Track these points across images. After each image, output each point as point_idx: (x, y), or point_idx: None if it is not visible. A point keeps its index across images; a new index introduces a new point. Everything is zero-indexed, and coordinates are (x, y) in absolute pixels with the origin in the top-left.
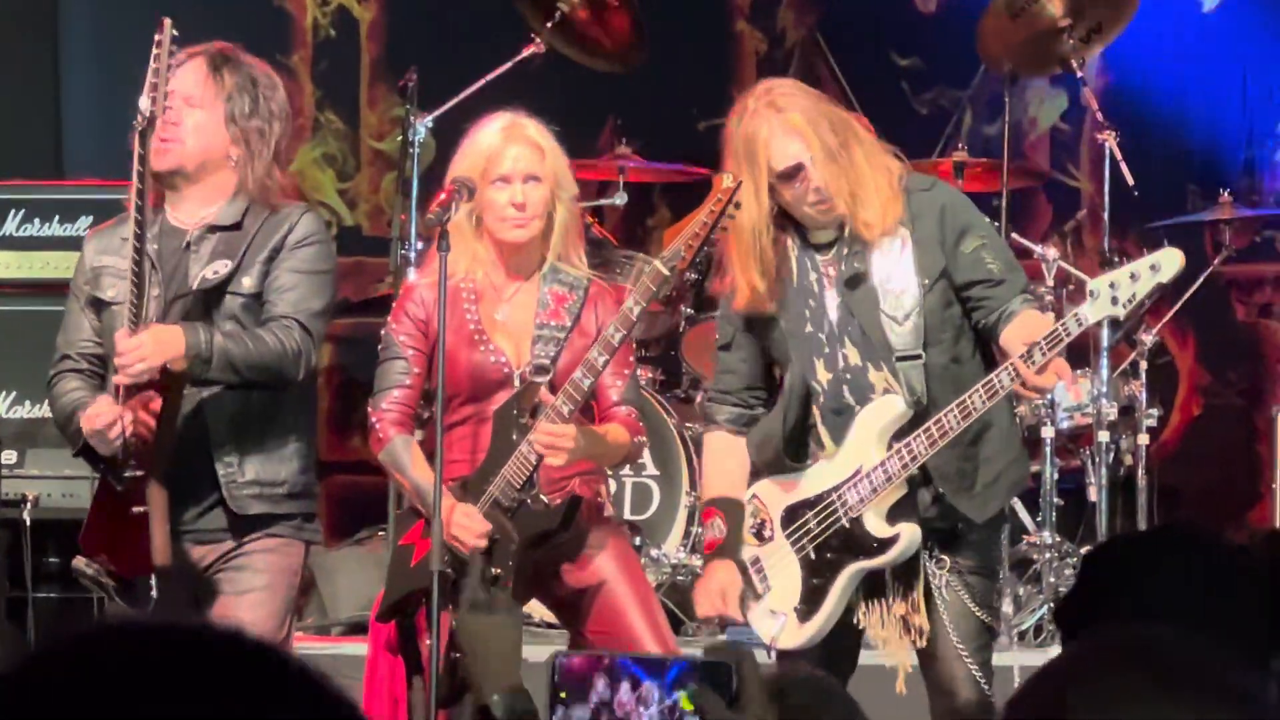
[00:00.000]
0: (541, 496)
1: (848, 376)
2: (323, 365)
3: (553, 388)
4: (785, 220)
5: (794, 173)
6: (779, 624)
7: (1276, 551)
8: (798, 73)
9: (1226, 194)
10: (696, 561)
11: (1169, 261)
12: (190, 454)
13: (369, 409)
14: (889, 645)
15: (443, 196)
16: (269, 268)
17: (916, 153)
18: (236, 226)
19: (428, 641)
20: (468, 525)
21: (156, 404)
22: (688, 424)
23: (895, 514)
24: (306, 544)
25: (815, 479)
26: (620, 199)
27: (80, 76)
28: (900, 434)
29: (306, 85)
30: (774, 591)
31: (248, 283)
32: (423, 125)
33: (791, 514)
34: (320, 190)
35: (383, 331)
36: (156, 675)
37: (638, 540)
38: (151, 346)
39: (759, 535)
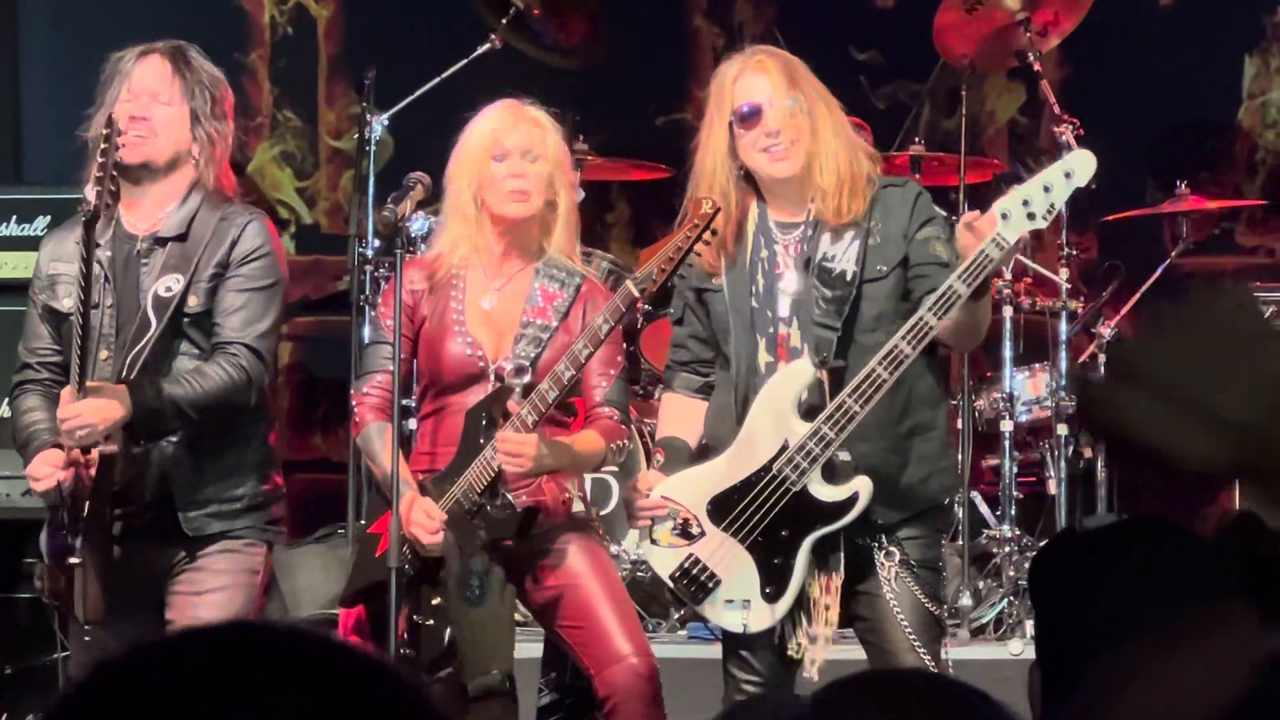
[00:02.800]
0: (508, 497)
1: (785, 361)
2: (283, 364)
3: (531, 389)
4: (750, 192)
5: (753, 115)
6: (745, 612)
7: (1251, 533)
8: None
9: (1184, 186)
10: None
11: (1082, 165)
12: (145, 472)
13: (352, 390)
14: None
15: (394, 193)
16: (215, 284)
17: (874, 146)
18: (183, 238)
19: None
20: (423, 523)
21: (94, 462)
22: (646, 420)
23: (833, 475)
24: (269, 544)
25: (735, 464)
26: (578, 195)
27: (39, 81)
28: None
29: (264, 83)
30: (726, 583)
31: (194, 301)
32: (379, 123)
33: (721, 505)
34: (279, 188)
35: (371, 313)
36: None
37: None
38: (91, 414)
39: (685, 535)
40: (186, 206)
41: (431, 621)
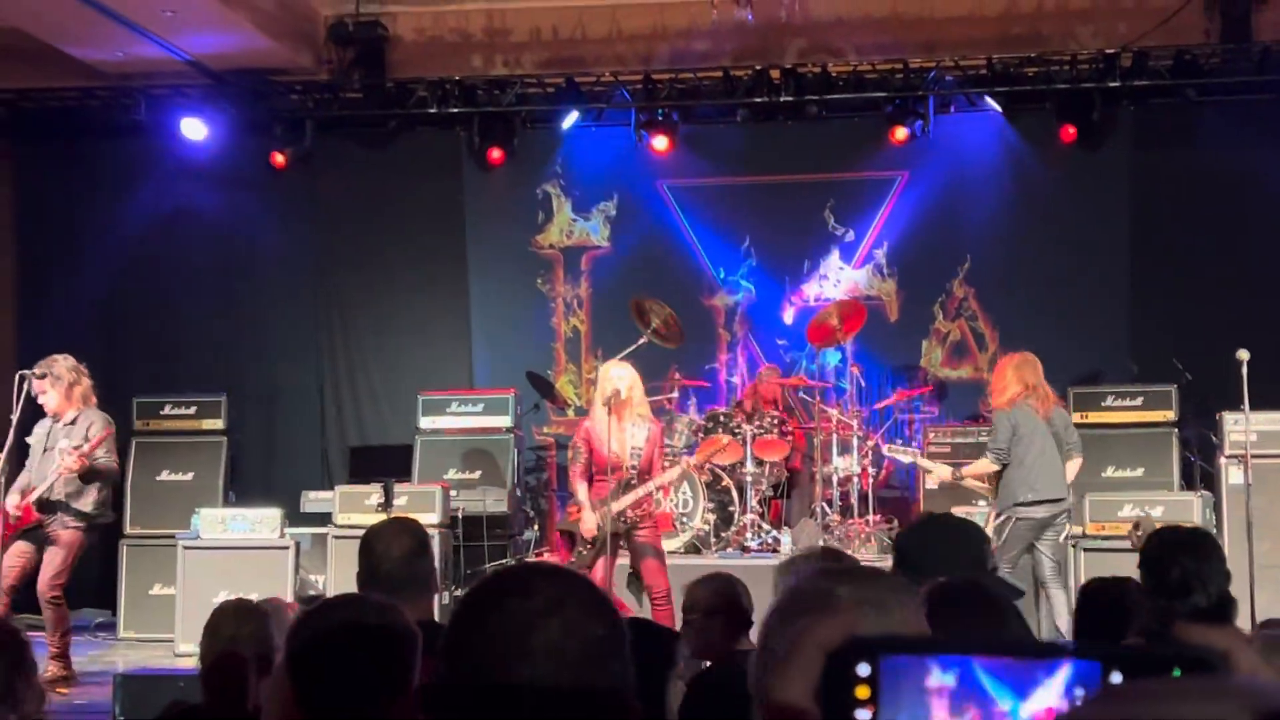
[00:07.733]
0: (628, 514)
1: None
2: (548, 455)
3: (637, 474)
4: None
5: None
6: None
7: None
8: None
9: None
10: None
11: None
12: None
13: (570, 469)
14: None
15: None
16: (83, 430)
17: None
18: (72, 423)
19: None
20: (586, 524)
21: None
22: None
23: None
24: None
25: None
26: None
27: (481, 324)
28: None
29: (563, 359)
30: None
31: (65, 443)
32: (601, 368)
33: None
34: (567, 393)
35: (574, 439)
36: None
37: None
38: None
39: None
40: (75, 412)
41: (585, 551)
